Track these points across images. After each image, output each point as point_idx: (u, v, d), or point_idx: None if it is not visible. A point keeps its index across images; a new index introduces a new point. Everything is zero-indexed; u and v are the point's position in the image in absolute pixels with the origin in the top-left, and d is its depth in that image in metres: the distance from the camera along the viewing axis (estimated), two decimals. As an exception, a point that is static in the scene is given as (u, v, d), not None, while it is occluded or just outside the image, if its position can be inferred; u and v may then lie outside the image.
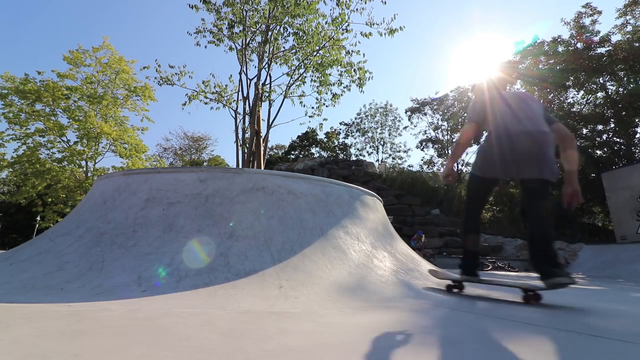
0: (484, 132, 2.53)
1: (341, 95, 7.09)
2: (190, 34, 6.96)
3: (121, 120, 16.74)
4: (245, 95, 6.57)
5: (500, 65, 20.38)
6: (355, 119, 33.54)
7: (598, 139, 16.74)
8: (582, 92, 18.01)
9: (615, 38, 16.52)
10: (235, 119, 6.67)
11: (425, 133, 26.13)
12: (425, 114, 25.73)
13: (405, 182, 19.90)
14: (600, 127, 16.97)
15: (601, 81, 17.02)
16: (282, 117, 27.80)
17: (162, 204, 2.75)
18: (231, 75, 10.95)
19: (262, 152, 6.25)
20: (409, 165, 28.30)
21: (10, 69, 25.51)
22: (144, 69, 7.07)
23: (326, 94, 7.10)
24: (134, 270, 2.13)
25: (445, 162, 24.69)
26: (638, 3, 15.92)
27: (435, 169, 25.17)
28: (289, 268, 2.33)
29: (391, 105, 36.76)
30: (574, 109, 18.20)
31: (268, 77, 6.76)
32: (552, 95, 18.61)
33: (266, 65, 6.81)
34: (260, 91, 6.52)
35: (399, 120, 31.27)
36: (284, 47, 7.15)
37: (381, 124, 32.25)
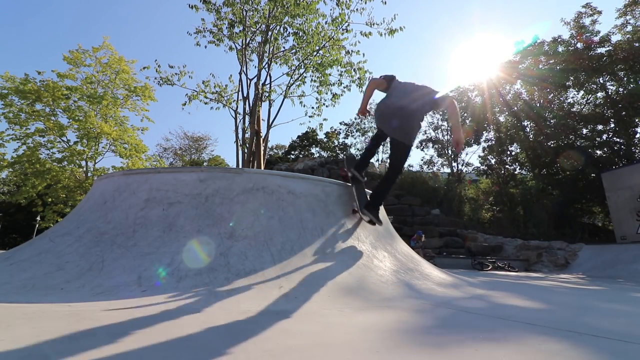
0: (381, 90, 3.28)
1: (341, 95, 7.10)
2: (190, 34, 6.97)
3: (121, 120, 16.72)
4: (245, 95, 6.57)
5: (500, 65, 20.40)
6: (356, 119, 33.51)
7: (598, 139, 16.70)
8: (582, 92, 17.97)
9: (615, 38, 16.51)
10: (235, 119, 6.67)
11: (425, 133, 26.08)
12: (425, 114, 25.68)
13: (405, 182, 19.86)
14: (600, 127, 16.94)
15: (601, 81, 17.00)
16: (282, 117, 27.77)
17: (162, 204, 2.74)
18: (231, 75, 10.97)
19: (262, 152, 6.25)
20: (409, 165, 28.27)
21: (10, 69, 25.52)
22: (144, 69, 7.07)
23: (326, 94, 7.10)
24: (134, 270, 2.13)
25: (445, 162, 24.70)
26: (638, 3, 15.90)
27: (435, 169, 25.11)
28: (289, 268, 2.33)
29: (391, 105, 36.53)
30: (574, 109, 18.17)
31: (268, 77, 6.77)
32: (552, 95, 18.59)
33: (266, 65, 6.81)
34: (260, 91, 6.52)
35: (399, 120, 31.29)
36: (284, 47, 7.15)
37: (381, 124, 32.03)
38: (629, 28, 16.35)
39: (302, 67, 6.92)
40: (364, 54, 6.84)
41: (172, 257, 2.25)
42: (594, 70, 16.17)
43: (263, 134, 6.42)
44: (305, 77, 7.05)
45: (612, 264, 9.83)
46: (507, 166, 20.73)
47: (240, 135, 6.54)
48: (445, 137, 24.60)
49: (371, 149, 3.71)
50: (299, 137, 36.20)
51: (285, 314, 1.62)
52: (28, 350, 0.94)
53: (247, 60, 6.86)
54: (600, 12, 17.00)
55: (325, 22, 6.63)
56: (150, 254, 2.28)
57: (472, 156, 47.28)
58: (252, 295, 1.93)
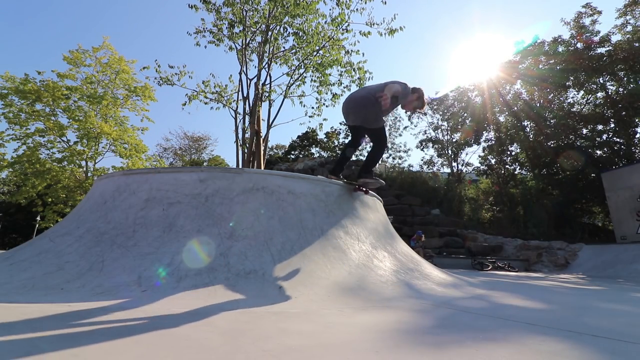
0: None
1: (341, 95, 7.09)
2: (190, 34, 6.97)
3: (121, 120, 16.71)
4: (245, 95, 6.58)
5: (501, 65, 20.41)
6: (356, 119, 33.40)
7: (598, 139, 16.71)
8: (582, 92, 17.98)
9: (615, 38, 16.52)
10: (235, 119, 6.67)
11: (425, 133, 26.06)
12: (425, 114, 25.61)
13: (405, 182, 19.87)
14: (600, 127, 16.95)
15: (601, 81, 17.00)
16: (282, 117, 27.79)
17: (162, 204, 2.74)
18: (231, 75, 10.96)
19: (262, 152, 6.25)
20: (409, 165, 28.25)
21: (10, 69, 25.52)
22: (144, 69, 7.07)
23: (326, 94, 7.11)
24: (134, 270, 2.13)
25: (445, 162, 24.70)
26: (638, 3, 15.91)
27: (435, 169, 25.10)
28: (289, 268, 2.33)
29: (391, 105, 36.55)
30: (574, 109, 18.18)
31: (268, 77, 6.77)
32: (552, 95, 18.60)
33: (266, 65, 6.81)
34: (260, 91, 6.52)
35: (399, 120, 31.16)
36: (284, 47, 7.16)
37: (381, 124, 32.00)
38: (629, 28, 16.37)
39: (302, 67, 6.92)
40: (363, 54, 6.86)
41: (172, 257, 2.25)
42: (594, 70, 16.18)
43: (263, 134, 6.42)
44: (305, 77, 7.06)
45: (612, 264, 9.84)
46: (507, 166, 20.75)
47: (240, 135, 6.54)
48: (445, 137, 24.60)
49: (345, 151, 3.81)
50: (299, 137, 36.22)
51: (285, 314, 1.62)
52: (28, 350, 0.94)
53: (247, 60, 6.86)
54: (600, 12, 17.02)
55: (325, 22, 6.64)
56: (150, 254, 2.28)
57: (472, 156, 47.38)
58: (251, 295, 1.93)
